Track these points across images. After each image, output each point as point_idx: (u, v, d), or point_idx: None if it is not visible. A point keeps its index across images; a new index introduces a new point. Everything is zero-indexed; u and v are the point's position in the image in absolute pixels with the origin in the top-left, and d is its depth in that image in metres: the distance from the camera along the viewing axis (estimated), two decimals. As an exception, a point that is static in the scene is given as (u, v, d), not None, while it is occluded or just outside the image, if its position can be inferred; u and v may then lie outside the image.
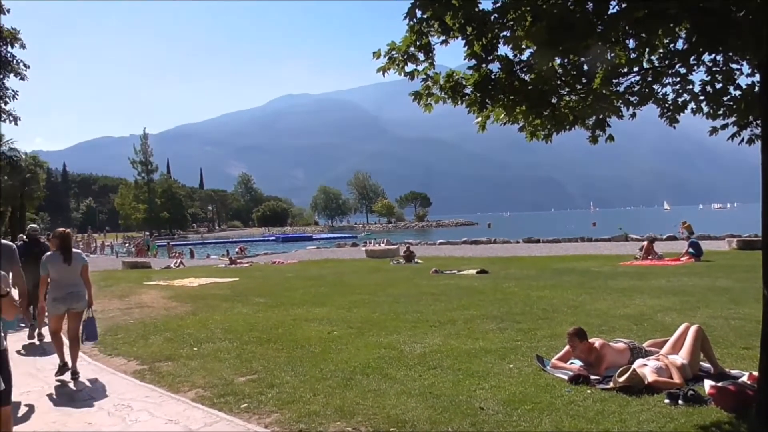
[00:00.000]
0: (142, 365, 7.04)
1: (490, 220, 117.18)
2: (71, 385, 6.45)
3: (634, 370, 5.14)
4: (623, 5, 3.72)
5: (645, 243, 19.94)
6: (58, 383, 6.49)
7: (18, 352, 8.40)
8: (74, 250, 6.96)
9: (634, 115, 4.86)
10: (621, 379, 5.09)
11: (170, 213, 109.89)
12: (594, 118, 4.66)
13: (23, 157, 49.46)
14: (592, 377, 5.48)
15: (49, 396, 5.93)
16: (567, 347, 5.94)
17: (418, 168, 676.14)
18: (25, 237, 10.56)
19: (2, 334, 3.87)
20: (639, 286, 12.16)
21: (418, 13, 4.07)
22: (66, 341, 6.94)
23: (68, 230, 7.41)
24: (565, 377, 5.52)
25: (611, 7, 3.63)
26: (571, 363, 5.85)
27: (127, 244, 61.94)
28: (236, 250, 40.02)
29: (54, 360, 7.07)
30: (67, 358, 6.78)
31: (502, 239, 37.52)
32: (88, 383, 6.44)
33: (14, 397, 5.86)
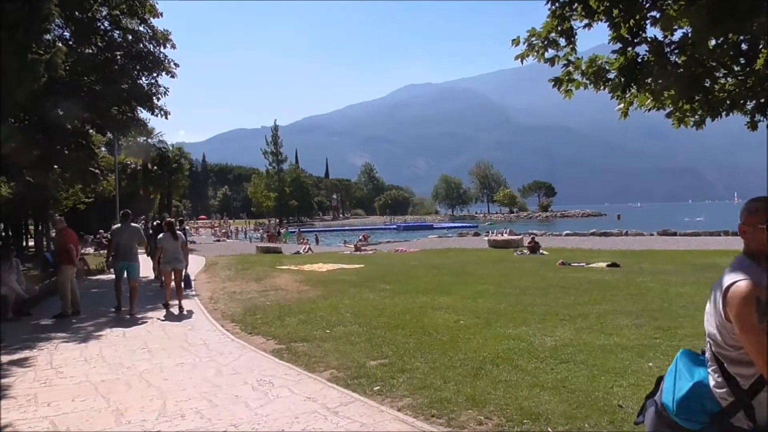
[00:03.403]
0: (280, 344, 7.46)
1: (619, 211, 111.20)
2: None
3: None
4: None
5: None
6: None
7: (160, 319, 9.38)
8: (177, 231, 11.34)
9: (801, 98, 4.40)
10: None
11: (298, 201, 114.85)
12: (754, 102, 4.28)
13: (170, 148, 53.80)
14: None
15: (200, 369, 6.42)
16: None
17: (543, 157, 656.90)
18: (159, 221, 15.41)
19: None
20: (796, 286, 11.02)
21: (561, -3, 3.96)
22: (173, 288, 10.89)
23: (171, 219, 12.42)
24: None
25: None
26: (719, 365, 5.44)
27: (260, 231, 65.64)
28: (360, 237, 41.11)
29: (203, 336, 8.29)
30: (173, 300, 10.69)
31: (634, 231, 35.57)
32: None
33: (170, 368, 6.47)
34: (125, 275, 10.71)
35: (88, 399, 5.37)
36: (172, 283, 10.83)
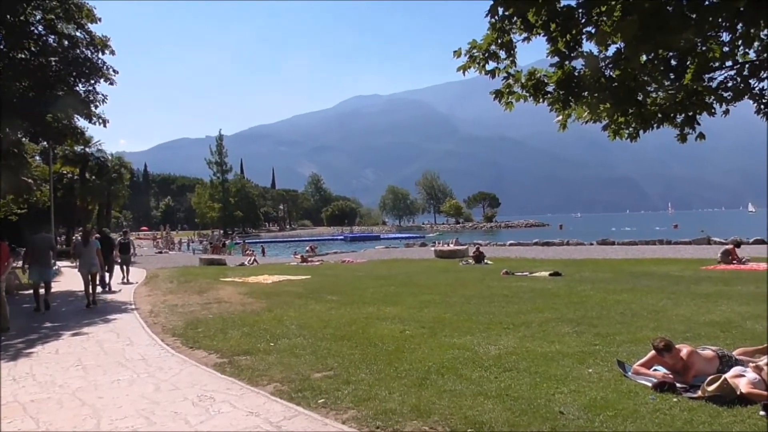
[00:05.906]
0: (222, 358, 7.28)
1: (561, 221, 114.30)
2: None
3: (726, 379, 4.88)
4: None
5: (730, 247, 18.92)
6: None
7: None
8: (92, 239, 13.69)
9: (727, 112, 4.60)
10: (710, 388, 4.84)
11: (243, 212, 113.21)
12: (683, 115, 4.45)
13: (110, 158, 52.12)
14: (678, 385, 5.24)
15: (138, 386, 6.19)
16: (651, 353, 5.71)
17: (488, 167, 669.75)
18: (98, 234, 16.45)
19: None
20: (725, 292, 11.54)
21: (500, 11, 4.01)
22: (90, 288, 13.09)
23: (89, 228, 16.04)
24: (649, 384, 5.31)
25: (707, -2, 3.46)
26: (655, 369, 5.63)
27: (203, 242, 64.27)
28: (307, 248, 40.74)
29: (142, 351, 7.99)
30: (92, 297, 13.02)
31: (575, 241, 36.61)
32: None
33: (106, 385, 6.22)
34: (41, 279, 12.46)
35: (16, 420, 5.10)
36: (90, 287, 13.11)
